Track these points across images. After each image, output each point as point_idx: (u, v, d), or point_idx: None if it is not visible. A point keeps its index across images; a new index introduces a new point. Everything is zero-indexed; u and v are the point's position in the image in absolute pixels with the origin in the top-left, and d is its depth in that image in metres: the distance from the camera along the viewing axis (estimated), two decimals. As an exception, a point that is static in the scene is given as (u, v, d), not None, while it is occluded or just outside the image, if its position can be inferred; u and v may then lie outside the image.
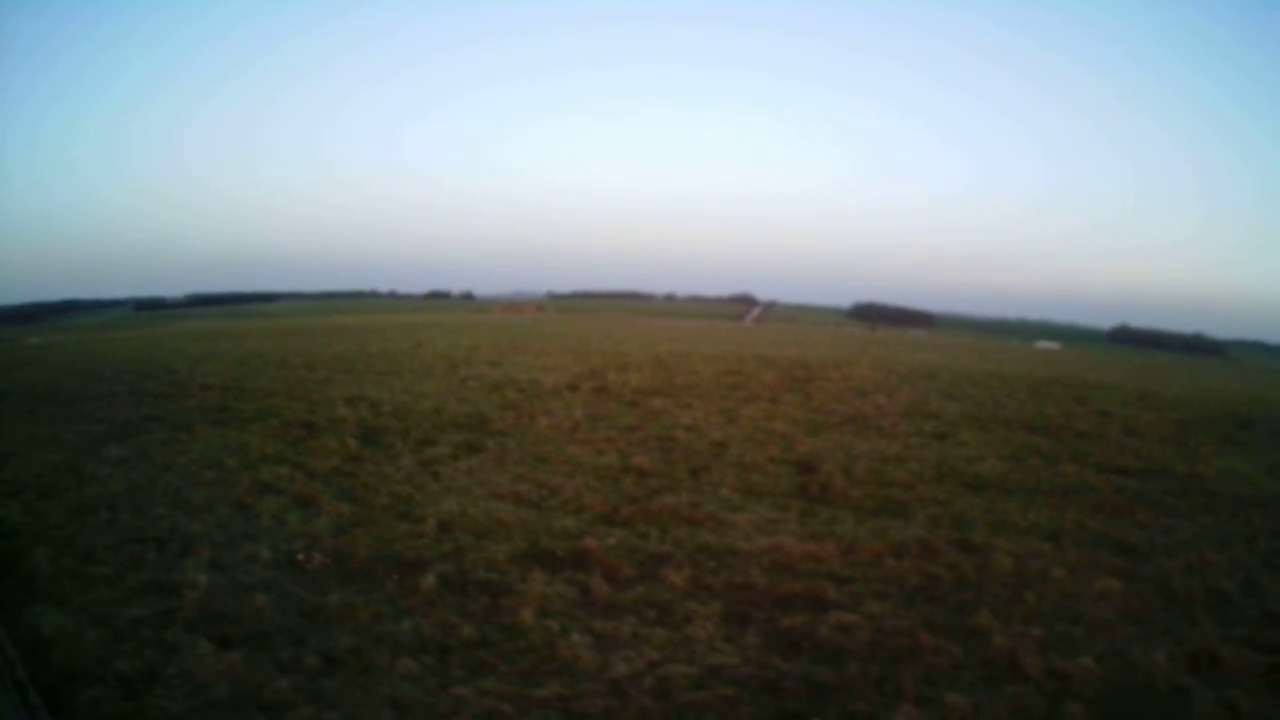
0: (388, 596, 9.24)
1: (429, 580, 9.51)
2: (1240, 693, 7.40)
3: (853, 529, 11.91)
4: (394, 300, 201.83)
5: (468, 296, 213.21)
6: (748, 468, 15.57)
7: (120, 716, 6.62)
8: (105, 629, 8.00)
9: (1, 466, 14.48)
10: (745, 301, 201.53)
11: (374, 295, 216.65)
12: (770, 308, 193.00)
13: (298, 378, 26.26)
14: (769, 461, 16.12)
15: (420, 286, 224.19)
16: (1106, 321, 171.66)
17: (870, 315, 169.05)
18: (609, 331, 63.25)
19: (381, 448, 16.54)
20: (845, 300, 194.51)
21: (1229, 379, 53.97)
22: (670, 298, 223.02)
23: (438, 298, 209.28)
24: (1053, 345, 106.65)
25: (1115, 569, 10.54)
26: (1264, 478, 16.31)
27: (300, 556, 10.29)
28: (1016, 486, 14.90)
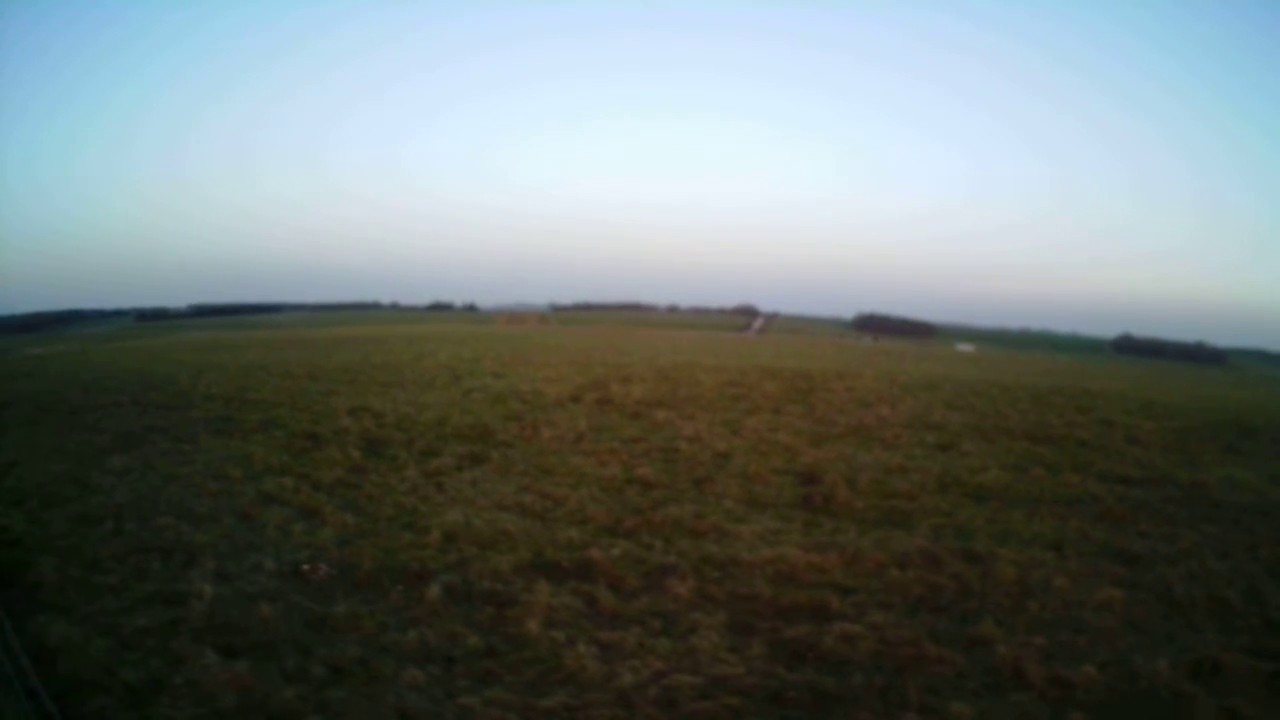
0: (393, 607, 9.27)
1: (434, 591, 9.54)
2: (1242, 700, 7.43)
3: (856, 540, 11.92)
4: (396, 311, 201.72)
5: (470, 308, 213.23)
6: (751, 479, 15.58)
7: (127, 726, 6.65)
8: (111, 638, 8.04)
9: (5, 476, 14.54)
10: (747, 313, 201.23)
11: (376, 306, 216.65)
12: (773, 319, 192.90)
13: (301, 389, 26.31)
14: (772, 472, 16.13)
15: (423, 298, 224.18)
16: (1110, 330, 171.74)
17: (872, 326, 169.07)
18: (612, 343, 63.31)
19: (385, 459, 16.59)
20: (848, 311, 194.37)
21: (1231, 387, 53.95)
22: (673, 309, 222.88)
23: (440, 309, 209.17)
24: (968, 348, 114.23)
25: (1118, 578, 10.57)
26: (1266, 486, 16.30)
27: (305, 567, 10.32)
28: (1019, 496, 14.91)
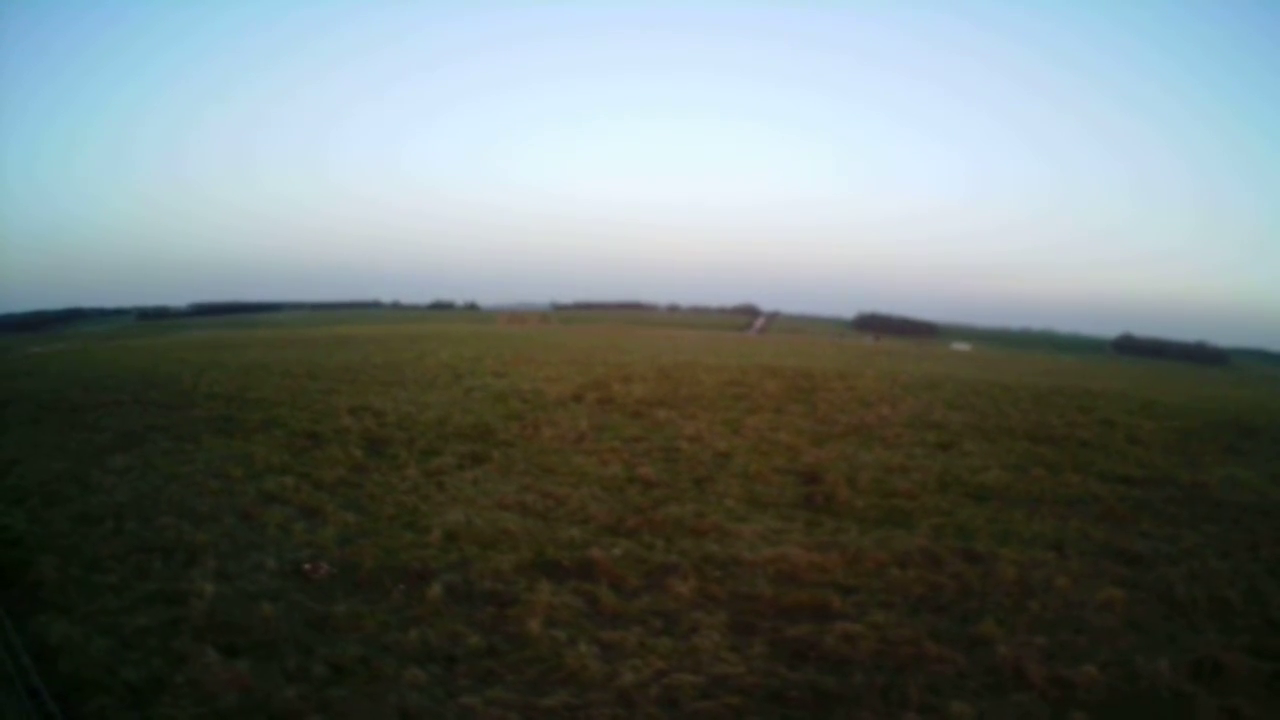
0: (394, 606, 9.27)
1: (435, 590, 9.54)
2: (1243, 700, 7.41)
3: (857, 539, 11.92)
4: (397, 310, 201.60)
5: (472, 307, 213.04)
6: (752, 478, 15.58)
7: (128, 725, 6.66)
8: (112, 637, 8.04)
9: (6, 474, 14.56)
10: (748, 312, 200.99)
11: (377, 305, 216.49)
12: (774, 318, 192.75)
13: (302, 388, 26.35)
14: (773, 472, 16.12)
15: (424, 297, 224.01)
16: (1111, 330, 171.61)
17: (873, 326, 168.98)
18: (613, 342, 63.34)
19: (386, 458, 16.59)
20: (849, 311, 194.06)
21: (1232, 387, 53.94)
22: (673, 308, 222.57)
23: (441, 308, 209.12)
24: (965, 346, 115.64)
25: (1119, 578, 10.55)
26: (1267, 486, 16.29)
27: (306, 566, 10.32)
28: (1020, 496, 14.90)
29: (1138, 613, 9.52)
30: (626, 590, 9.89)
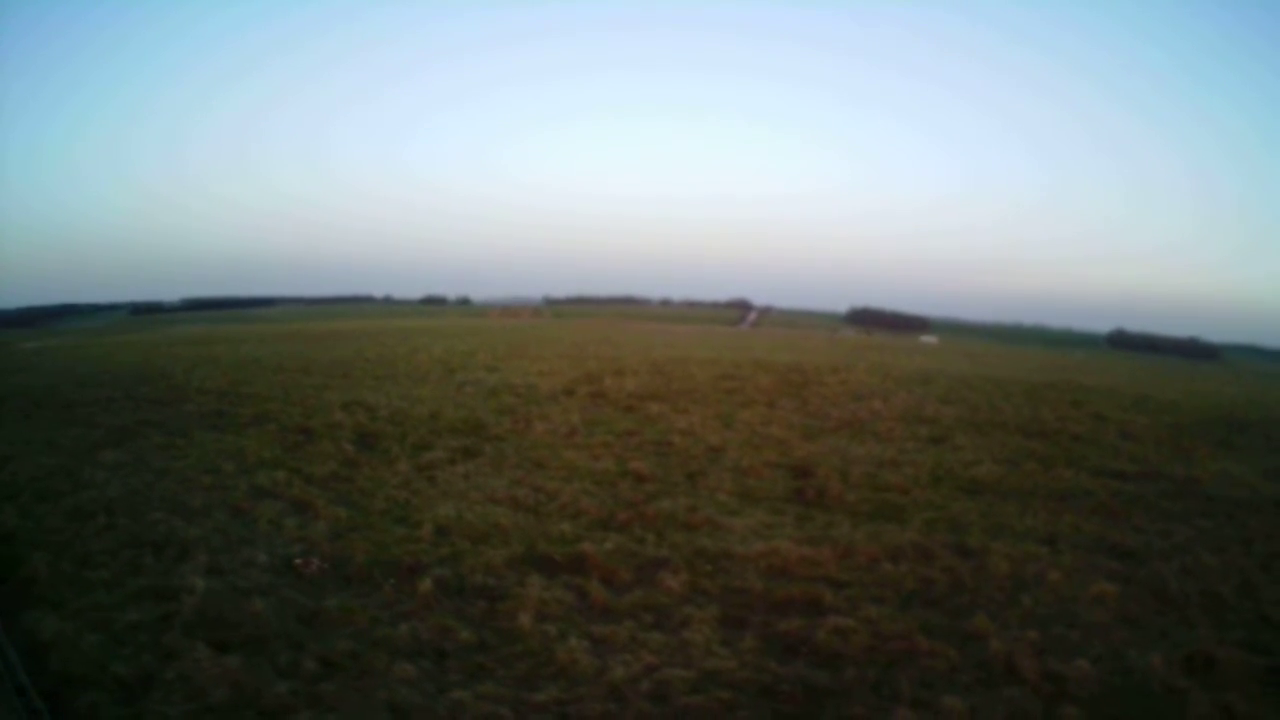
0: (385, 601, 9.25)
1: (426, 584, 9.52)
2: (1236, 695, 7.44)
3: (849, 533, 11.93)
4: (390, 305, 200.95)
5: (464, 301, 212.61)
6: (744, 472, 15.59)
7: (118, 721, 6.62)
8: (103, 633, 8.00)
9: (-2, 471, 14.44)
10: (741, 306, 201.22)
11: (370, 300, 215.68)
12: (766, 312, 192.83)
13: (294, 383, 26.22)
14: (765, 466, 16.13)
15: (416, 291, 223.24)
16: (1103, 325, 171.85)
17: (866, 320, 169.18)
18: (605, 336, 63.24)
19: (378, 453, 16.54)
20: (841, 305, 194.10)
21: (1225, 383, 54.11)
22: (666, 303, 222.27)
23: (434, 303, 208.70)
24: (932, 340, 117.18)
25: (1111, 572, 10.58)
26: (1259, 481, 16.36)
27: (298, 561, 10.28)
28: (1012, 490, 14.94)
29: (1130, 607, 9.55)
30: (618, 585, 9.89)
